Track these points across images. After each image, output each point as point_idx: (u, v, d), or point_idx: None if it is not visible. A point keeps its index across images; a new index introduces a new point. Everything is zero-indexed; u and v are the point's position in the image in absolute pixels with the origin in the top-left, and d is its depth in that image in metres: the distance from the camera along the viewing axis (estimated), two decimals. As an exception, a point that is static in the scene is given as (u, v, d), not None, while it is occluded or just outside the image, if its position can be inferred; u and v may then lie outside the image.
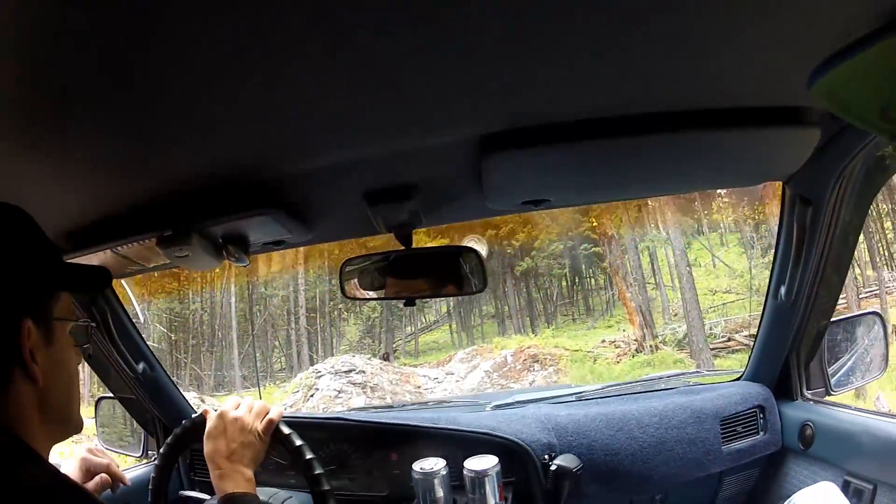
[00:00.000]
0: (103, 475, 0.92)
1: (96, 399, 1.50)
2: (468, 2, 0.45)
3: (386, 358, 12.24)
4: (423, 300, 0.98)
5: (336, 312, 14.83)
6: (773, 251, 1.13)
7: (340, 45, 0.50)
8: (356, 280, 1.03)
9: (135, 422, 1.43)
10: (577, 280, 15.12)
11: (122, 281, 1.37)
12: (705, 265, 12.90)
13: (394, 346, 14.57)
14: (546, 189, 0.88)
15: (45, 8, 0.41)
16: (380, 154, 0.74)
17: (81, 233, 0.90)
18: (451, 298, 13.46)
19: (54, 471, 0.47)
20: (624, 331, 11.06)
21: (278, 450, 1.01)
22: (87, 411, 0.97)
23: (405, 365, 11.61)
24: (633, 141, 0.71)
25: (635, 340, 10.12)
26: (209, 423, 0.95)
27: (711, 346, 9.75)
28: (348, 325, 15.07)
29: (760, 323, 1.22)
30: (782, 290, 1.09)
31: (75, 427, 0.56)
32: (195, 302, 13.80)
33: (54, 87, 0.52)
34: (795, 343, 1.16)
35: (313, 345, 14.33)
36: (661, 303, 12.29)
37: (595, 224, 11.33)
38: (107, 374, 1.33)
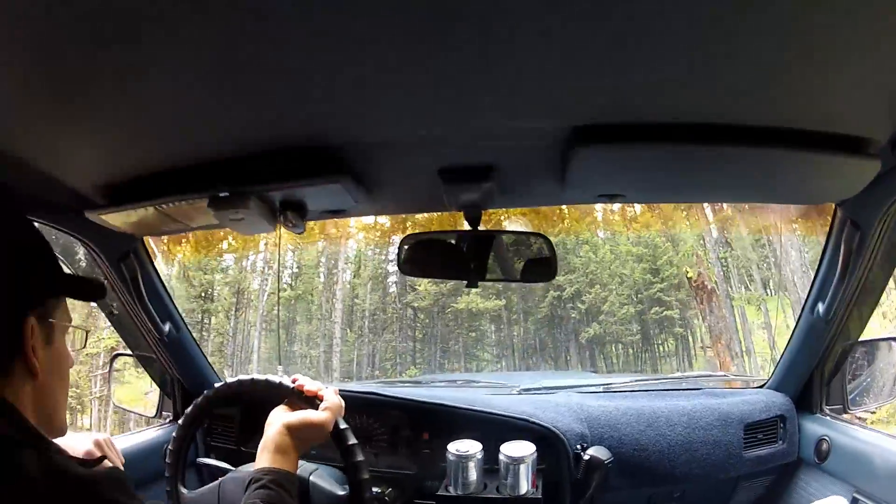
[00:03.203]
0: None
1: (112, 354, 1.45)
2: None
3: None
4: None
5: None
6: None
7: (430, 18, 0.48)
8: (416, 256, 1.02)
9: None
10: (645, 346, 12.71)
11: (151, 242, 1.32)
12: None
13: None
14: (623, 184, 0.90)
15: None
16: (461, 132, 0.73)
17: (122, 187, 0.86)
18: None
19: (57, 459, 0.48)
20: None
21: None
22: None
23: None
24: (709, 148, 0.73)
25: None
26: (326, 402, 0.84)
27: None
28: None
29: (792, 334, 1.25)
30: (820, 306, 1.12)
31: (59, 430, 0.57)
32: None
33: (102, 29, 0.49)
34: (823, 359, 1.20)
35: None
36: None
37: (690, 275, 9.68)
38: (129, 334, 1.29)
